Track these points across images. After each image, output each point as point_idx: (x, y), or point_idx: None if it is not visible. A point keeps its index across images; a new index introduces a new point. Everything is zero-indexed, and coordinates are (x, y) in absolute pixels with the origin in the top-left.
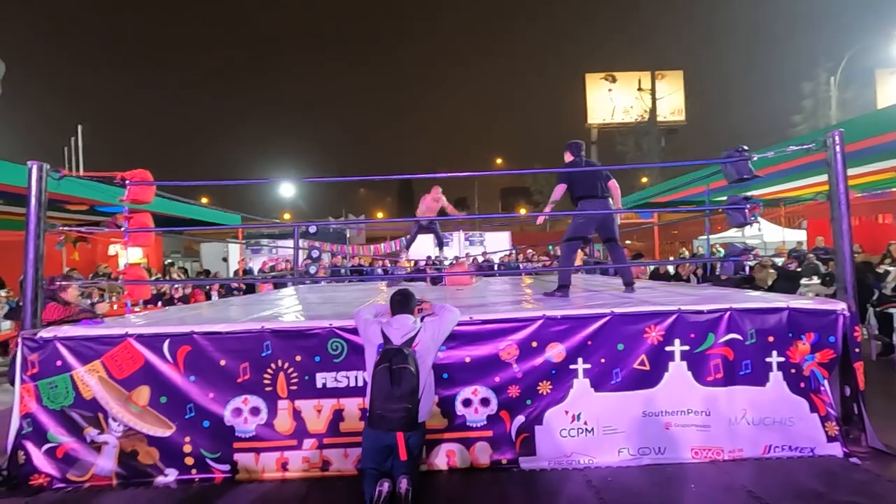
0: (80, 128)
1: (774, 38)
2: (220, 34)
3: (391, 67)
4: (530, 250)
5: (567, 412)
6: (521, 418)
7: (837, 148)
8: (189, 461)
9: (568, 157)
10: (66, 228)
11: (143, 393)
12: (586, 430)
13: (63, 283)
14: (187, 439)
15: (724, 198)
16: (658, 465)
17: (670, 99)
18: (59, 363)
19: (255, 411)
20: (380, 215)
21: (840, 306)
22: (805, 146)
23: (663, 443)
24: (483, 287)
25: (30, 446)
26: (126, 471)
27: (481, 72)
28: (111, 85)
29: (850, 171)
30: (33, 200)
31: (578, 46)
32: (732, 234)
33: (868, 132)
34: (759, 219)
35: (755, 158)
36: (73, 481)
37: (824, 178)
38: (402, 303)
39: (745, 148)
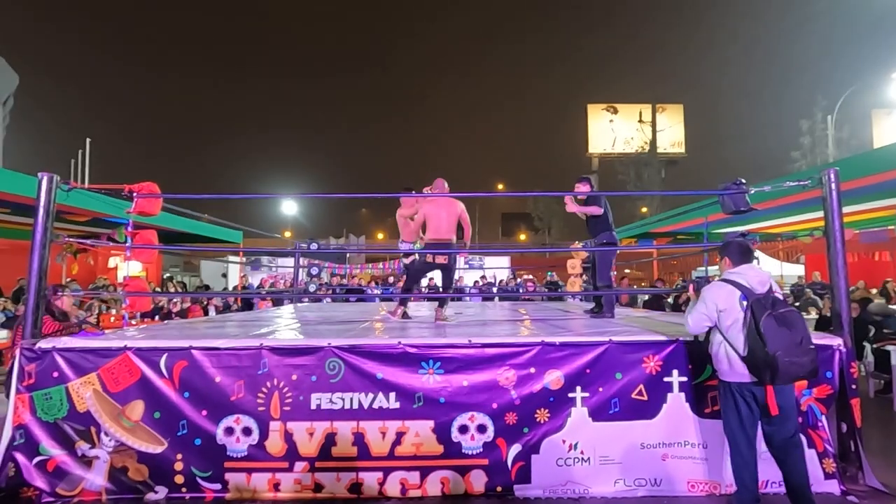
0: (87, 140)
1: (774, 76)
2: (219, 45)
3: (396, 89)
4: (527, 276)
5: (564, 441)
6: (517, 446)
7: (833, 186)
8: (179, 479)
9: (586, 187)
10: (70, 239)
11: (137, 408)
12: (583, 459)
13: (57, 293)
14: (179, 457)
15: (724, 230)
16: (654, 497)
17: (671, 131)
18: (55, 374)
19: (247, 431)
20: (380, 236)
21: (836, 342)
22: (801, 183)
23: (660, 475)
24: (482, 310)
25: (21, 458)
26: (116, 487)
27: (483, 96)
28: (120, 98)
29: (847, 209)
30: (41, 211)
31: (580, 77)
32: None
33: (864, 171)
34: (758, 252)
35: (752, 192)
36: (63, 496)
37: (820, 214)
38: (747, 252)
39: (743, 181)
